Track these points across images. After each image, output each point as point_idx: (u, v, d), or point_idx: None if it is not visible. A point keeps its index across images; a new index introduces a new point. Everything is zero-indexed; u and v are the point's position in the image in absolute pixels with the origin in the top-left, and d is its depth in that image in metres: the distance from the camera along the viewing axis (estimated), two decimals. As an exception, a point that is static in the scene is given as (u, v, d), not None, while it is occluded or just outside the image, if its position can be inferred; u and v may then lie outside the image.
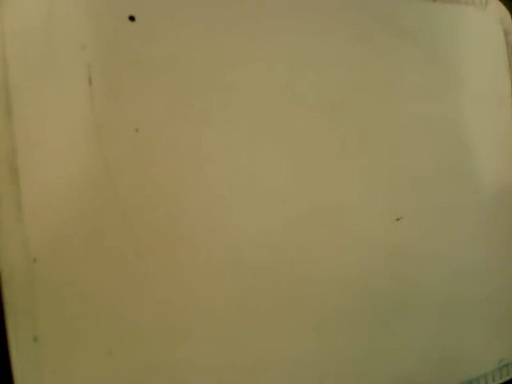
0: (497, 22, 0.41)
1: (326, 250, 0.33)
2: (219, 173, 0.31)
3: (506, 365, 0.38)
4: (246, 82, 0.32)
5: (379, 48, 0.36)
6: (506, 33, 0.41)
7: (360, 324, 0.33)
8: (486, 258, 0.39)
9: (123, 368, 0.28)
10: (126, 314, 0.28)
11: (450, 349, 0.36)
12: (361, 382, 0.33)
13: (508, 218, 0.40)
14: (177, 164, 0.30)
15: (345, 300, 0.33)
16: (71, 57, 0.28)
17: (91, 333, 0.27)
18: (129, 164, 0.29)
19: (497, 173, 0.40)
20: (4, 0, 0.27)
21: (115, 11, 0.29)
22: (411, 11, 0.37)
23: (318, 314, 0.32)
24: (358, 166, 0.34)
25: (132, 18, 0.29)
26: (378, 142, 0.35)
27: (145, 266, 0.28)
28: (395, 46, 0.36)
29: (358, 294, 0.33)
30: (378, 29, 0.36)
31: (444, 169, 0.37)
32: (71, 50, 0.28)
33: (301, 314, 0.32)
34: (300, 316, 0.32)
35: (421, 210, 0.36)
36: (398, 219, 0.35)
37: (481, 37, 0.40)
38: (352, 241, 0.34)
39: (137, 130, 0.29)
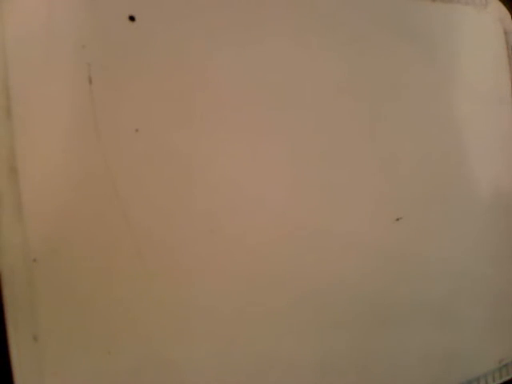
0: (497, 22, 0.41)
1: (327, 251, 0.33)
2: (220, 172, 0.31)
3: (506, 365, 0.38)
4: (246, 83, 0.32)
5: (378, 48, 0.36)
6: (506, 33, 0.41)
7: (360, 324, 0.33)
8: (486, 259, 0.39)
9: (123, 368, 0.28)
10: (126, 314, 0.28)
11: (450, 349, 0.36)
12: (361, 382, 0.33)
13: (508, 219, 0.40)
14: (177, 164, 0.29)
15: (345, 301, 0.33)
16: (71, 57, 0.28)
17: (91, 332, 0.27)
18: (129, 164, 0.29)
19: (497, 173, 0.40)
20: (4, 0, 0.27)
21: (115, 11, 0.29)
22: (411, 11, 0.37)
23: (319, 316, 0.32)
24: (358, 166, 0.34)
25: (132, 18, 0.29)
26: (378, 142, 0.35)
27: (145, 266, 0.28)
28: (394, 45, 0.36)
29: (358, 295, 0.33)
30: (377, 29, 0.36)
31: (444, 169, 0.37)
32: (71, 50, 0.28)
33: (302, 315, 0.32)
34: (301, 317, 0.32)
35: (421, 210, 0.36)
36: (397, 219, 0.35)
37: (481, 37, 0.40)
38: (352, 241, 0.34)
39: (137, 130, 0.29)
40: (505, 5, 0.41)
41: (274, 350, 0.31)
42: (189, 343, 0.29)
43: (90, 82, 0.28)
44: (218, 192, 0.30)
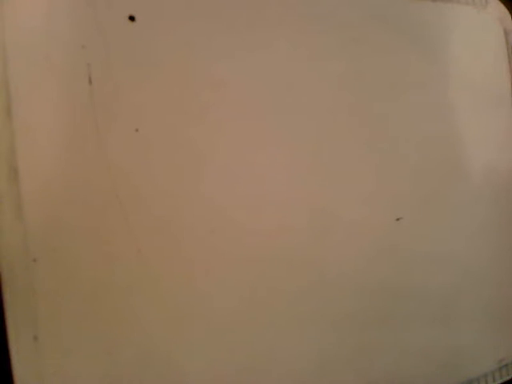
0: (497, 22, 0.41)
1: (327, 250, 0.33)
2: (219, 172, 0.31)
3: (506, 365, 0.38)
4: (246, 83, 0.32)
5: (378, 48, 0.36)
6: (506, 33, 0.41)
7: (360, 323, 0.33)
8: (486, 259, 0.39)
9: (123, 368, 0.28)
10: (126, 314, 0.28)
11: (450, 349, 0.36)
12: (361, 381, 0.33)
13: (508, 219, 0.40)
14: (177, 164, 0.29)
15: (345, 299, 0.33)
16: (71, 57, 0.28)
17: (91, 332, 0.27)
18: (129, 164, 0.29)
19: (497, 173, 0.40)
20: (4, 0, 0.27)
21: (115, 11, 0.29)
22: (411, 11, 0.37)
23: (319, 313, 0.32)
24: (359, 167, 0.34)
25: (132, 18, 0.29)
26: (378, 142, 0.35)
27: (145, 266, 0.28)
28: (395, 45, 0.36)
29: (358, 294, 0.33)
30: (377, 29, 0.36)
31: (445, 169, 0.37)
32: (71, 50, 0.28)
33: (301, 313, 0.32)
34: (301, 315, 0.32)
35: (421, 211, 0.36)
36: (398, 219, 0.35)
37: (481, 37, 0.40)
38: (353, 240, 0.34)
39: (137, 130, 0.29)
40: (505, 5, 0.41)
41: (274, 349, 0.31)
42: (189, 343, 0.29)
43: (90, 82, 0.28)
44: (218, 192, 0.30)
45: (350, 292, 0.33)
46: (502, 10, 0.41)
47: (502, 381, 0.38)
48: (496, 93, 0.40)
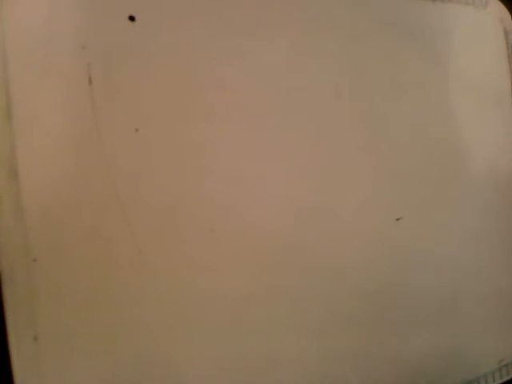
0: (497, 21, 0.41)
1: (327, 250, 0.33)
2: (219, 171, 0.31)
3: (506, 365, 0.38)
4: (246, 82, 0.32)
5: (378, 48, 0.36)
6: (506, 33, 0.41)
7: (360, 323, 0.33)
8: (486, 258, 0.39)
9: (123, 367, 0.28)
10: (126, 314, 0.28)
11: (450, 348, 0.36)
12: (361, 380, 0.33)
13: (509, 218, 0.40)
14: (177, 163, 0.30)
15: (345, 299, 0.33)
16: (71, 57, 0.28)
17: (91, 332, 0.27)
18: (129, 164, 0.29)
19: (497, 172, 0.40)
20: (4, 0, 0.27)
21: (115, 11, 0.29)
22: (410, 11, 0.37)
23: (319, 313, 0.32)
24: (358, 166, 0.34)
25: (132, 18, 0.29)
26: (378, 142, 0.35)
27: (145, 266, 0.28)
28: (394, 46, 0.36)
29: (358, 293, 0.33)
30: (377, 29, 0.36)
31: (444, 169, 0.37)
32: (71, 50, 0.28)
33: (302, 312, 0.32)
34: (301, 314, 0.32)
35: (421, 210, 0.36)
36: (398, 219, 0.35)
37: (481, 37, 0.40)
38: (352, 241, 0.34)
39: (137, 130, 0.29)
40: (505, 5, 0.41)
41: (274, 348, 0.31)
42: (189, 343, 0.29)
43: (90, 82, 0.28)
44: (218, 191, 0.30)
45: (350, 292, 0.33)
46: (502, 10, 0.41)
47: (501, 381, 0.38)
48: (496, 93, 0.40)
